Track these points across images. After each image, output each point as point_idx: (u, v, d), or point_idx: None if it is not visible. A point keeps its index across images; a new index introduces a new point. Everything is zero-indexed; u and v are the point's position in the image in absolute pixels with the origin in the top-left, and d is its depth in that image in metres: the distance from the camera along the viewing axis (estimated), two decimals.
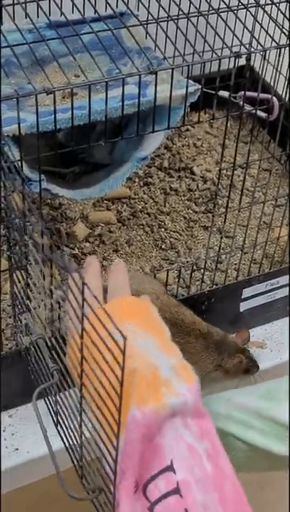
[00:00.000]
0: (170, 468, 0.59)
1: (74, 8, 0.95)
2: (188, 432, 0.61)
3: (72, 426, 0.67)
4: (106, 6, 0.90)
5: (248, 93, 0.83)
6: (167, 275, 1.00)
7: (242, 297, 1.02)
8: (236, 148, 0.87)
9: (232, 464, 0.63)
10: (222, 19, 0.81)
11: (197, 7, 0.98)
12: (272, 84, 1.08)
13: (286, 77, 0.88)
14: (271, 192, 1.18)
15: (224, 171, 1.18)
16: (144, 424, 0.59)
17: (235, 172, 1.17)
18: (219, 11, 0.87)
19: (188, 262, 1.07)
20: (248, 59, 0.82)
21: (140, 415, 0.59)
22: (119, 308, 0.67)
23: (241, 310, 1.03)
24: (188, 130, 1.26)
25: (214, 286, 1.02)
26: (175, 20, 0.85)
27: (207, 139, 1.24)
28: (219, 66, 0.77)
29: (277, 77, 1.00)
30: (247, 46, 0.88)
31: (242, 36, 0.84)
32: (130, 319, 0.65)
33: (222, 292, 0.99)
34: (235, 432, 0.81)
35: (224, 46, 0.81)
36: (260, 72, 1.12)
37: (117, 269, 0.74)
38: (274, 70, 1.01)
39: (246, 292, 1.01)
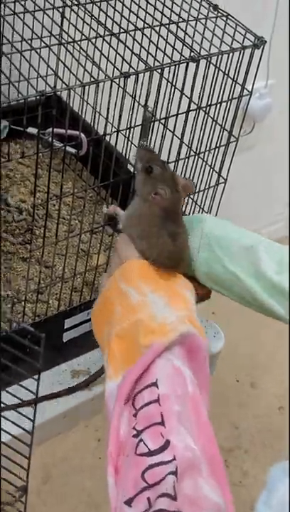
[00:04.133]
0: (154, 384, 0.75)
1: None
2: (179, 359, 0.78)
3: None
4: None
5: (57, 130, 0.84)
6: None
7: (65, 327, 1.02)
8: (49, 179, 0.88)
9: None
10: (26, 59, 0.82)
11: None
12: (90, 119, 1.06)
13: (92, 113, 0.90)
14: (86, 219, 1.20)
15: (39, 201, 1.19)
16: (148, 356, 0.76)
17: (51, 201, 1.17)
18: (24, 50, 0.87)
19: (8, 295, 1.06)
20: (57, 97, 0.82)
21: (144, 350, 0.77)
22: (130, 271, 0.84)
23: (64, 340, 1.03)
24: None
25: (36, 319, 1.02)
26: None
27: (20, 169, 1.24)
28: (26, 105, 0.78)
29: (87, 112, 1.00)
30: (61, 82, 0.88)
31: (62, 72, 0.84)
32: (142, 280, 0.83)
33: (45, 324, 1.00)
34: None
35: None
36: (78, 109, 1.10)
37: (123, 237, 0.90)
38: (89, 106, 0.99)
39: (69, 322, 1.02)
